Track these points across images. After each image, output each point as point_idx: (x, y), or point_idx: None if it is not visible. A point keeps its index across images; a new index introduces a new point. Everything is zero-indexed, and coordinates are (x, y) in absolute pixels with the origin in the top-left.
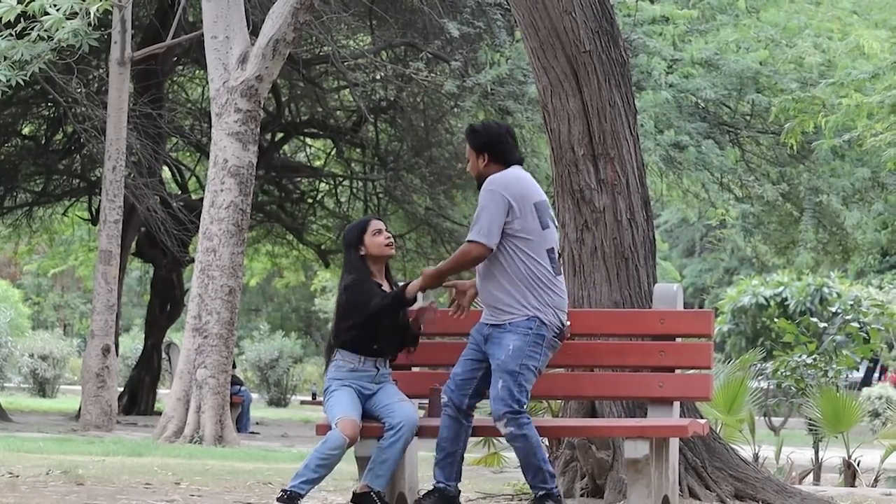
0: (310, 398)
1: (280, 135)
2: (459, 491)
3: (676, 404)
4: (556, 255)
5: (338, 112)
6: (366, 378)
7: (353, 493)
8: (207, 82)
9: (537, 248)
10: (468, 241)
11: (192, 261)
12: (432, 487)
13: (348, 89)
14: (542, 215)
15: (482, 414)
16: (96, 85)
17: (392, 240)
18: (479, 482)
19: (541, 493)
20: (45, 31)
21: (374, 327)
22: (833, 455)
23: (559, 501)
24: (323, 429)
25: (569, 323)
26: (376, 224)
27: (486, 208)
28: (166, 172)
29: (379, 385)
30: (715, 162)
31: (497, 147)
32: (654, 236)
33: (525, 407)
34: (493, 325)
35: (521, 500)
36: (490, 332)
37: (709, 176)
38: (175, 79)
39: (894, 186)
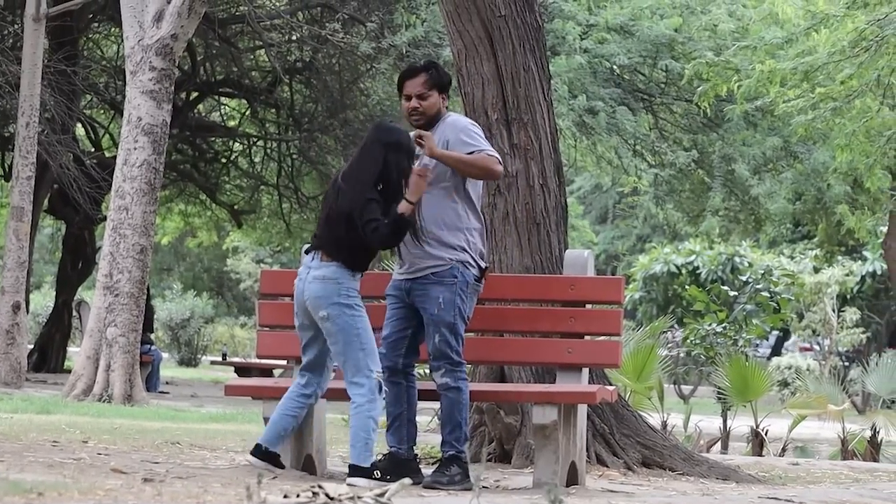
0: (220, 359)
1: (195, 94)
2: (415, 454)
3: (585, 371)
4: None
5: (253, 72)
6: None
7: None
8: (123, 40)
9: (479, 193)
10: (499, 162)
11: (105, 219)
12: (386, 452)
13: (264, 50)
14: None
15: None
16: (11, 41)
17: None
18: (384, 446)
19: (449, 453)
20: None
21: None
22: (741, 424)
23: (464, 467)
24: (231, 389)
25: (488, 265)
26: None
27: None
28: (80, 130)
29: None
30: (629, 128)
31: (448, 90)
32: (566, 202)
33: (462, 357)
34: (415, 279)
35: (427, 463)
36: (411, 286)
37: (622, 142)
38: (90, 36)
39: (805, 155)
